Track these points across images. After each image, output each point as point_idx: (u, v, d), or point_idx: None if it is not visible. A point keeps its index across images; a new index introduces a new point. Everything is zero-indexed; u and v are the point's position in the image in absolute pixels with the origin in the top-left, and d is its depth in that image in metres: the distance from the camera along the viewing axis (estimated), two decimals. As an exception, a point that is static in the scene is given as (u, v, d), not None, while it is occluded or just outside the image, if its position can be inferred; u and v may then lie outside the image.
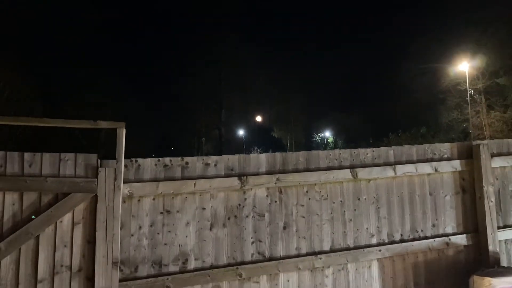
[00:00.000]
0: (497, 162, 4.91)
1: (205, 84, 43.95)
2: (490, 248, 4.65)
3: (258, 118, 57.68)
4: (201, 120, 45.30)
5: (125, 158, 3.80)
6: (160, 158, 3.95)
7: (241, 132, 57.11)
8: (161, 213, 3.88)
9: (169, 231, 3.89)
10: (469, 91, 36.59)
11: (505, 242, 4.86)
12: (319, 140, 61.44)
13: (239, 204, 4.14)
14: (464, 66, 36.23)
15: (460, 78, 36.99)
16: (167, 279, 3.77)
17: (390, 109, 44.79)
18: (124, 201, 3.75)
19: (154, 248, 3.83)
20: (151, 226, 3.85)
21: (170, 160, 3.96)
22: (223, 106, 45.52)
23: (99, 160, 3.67)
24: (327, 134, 62.42)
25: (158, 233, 3.86)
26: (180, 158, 4.00)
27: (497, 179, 4.96)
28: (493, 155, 4.92)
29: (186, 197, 3.96)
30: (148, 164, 3.90)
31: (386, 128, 38.90)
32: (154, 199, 3.87)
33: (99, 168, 3.62)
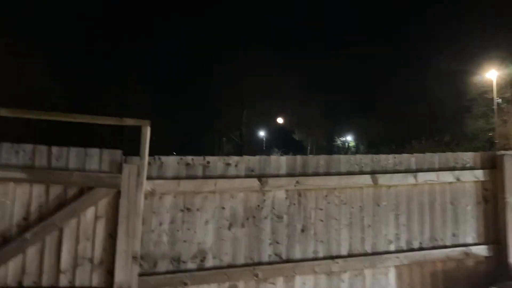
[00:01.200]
0: (522, 173, 4.82)
1: (228, 84, 44.16)
2: (511, 260, 4.58)
3: (280, 120, 57.65)
4: (223, 120, 45.55)
5: (148, 155, 3.89)
6: (183, 157, 4.02)
7: (262, 133, 57.18)
8: (182, 210, 3.95)
9: (188, 229, 3.96)
10: (497, 99, 35.86)
11: (527, 255, 4.77)
12: (340, 144, 61.01)
13: (258, 205, 4.18)
14: (492, 74, 35.55)
15: (487, 86, 36.29)
16: (185, 276, 3.84)
17: (414, 116, 44.20)
18: (146, 197, 3.83)
19: (173, 245, 3.90)
20: (171, 223, 3.92)
21: (192, 159, 4.03)
22: (244, 106, 45.63)
23: (123, 157, 3.76)
24: (349, 138, 61.97)
25: (178, 230, 3.93)
26: (202, 157, 4.07)
27: (521, 190, 4.87)
28: (517, 166, 4.83)
29: (206, 196, 4.02)
30: (171, 162, 3.97)
31: (409, 134, 38.38)
32: (175, 196, 3.94)
33: (123, 164, 3.71)
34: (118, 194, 3.69)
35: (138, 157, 3.75)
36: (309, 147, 55.41)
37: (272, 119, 55.77)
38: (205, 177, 4.03)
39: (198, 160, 4.05)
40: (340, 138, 61.55)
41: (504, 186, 4.70)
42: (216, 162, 4.10)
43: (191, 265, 3.93)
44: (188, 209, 3.97)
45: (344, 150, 57.38)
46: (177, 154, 4.15)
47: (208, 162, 4.07)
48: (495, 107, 35.15)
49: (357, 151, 52.43)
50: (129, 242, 3.65)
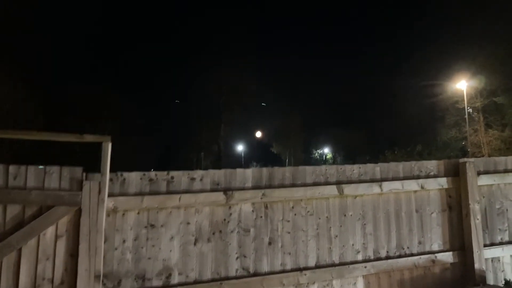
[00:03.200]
0: (484, 180, 4.93)
1: (206, 99, 44.18)
2: (476, 266, 4.65)
3: (258, 134, 57.83)
4: (201, 134, 45.42)
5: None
6: (146, 172, 3.97)
7: (240, 148, 57.21)
8: (145, 227, 3.90)
9: (153, 245, 3.90)
10: (468, 109, 36.78)
11: (491, 260, 4.85)
12: (318, 156, 61.49)
13: (225, 219, 4.15)
14: (462, 85, 36.51)
15: (458, 97, 37.23)
16: (149, 293, 3.77)
17: (389, 126, 44.97)
18: (108, 215, 3.76)
19: (138, 262, 3.84)
20: (135, 240, 3.85)
21: (156, 174, 3.99)
22: (222, 121, 45.64)
23: (84, 173, 3.69)
24: (326, 150, 62.53)
25: (142, 247, 3.87)
26: (165, 172, 4.03)
27: (483, 196, 4.97)
28: (479, 173, 4.94)
29: (170, 212, 3.98)
30: (133, 178, 3.92)
31: (385, 145, 39.02)
32: (138, 213, 3.88)
33: (84, 181, 3.65)
34: (79, 212, 3.61)
35: (99, 174, 3.69)
36: (287, 160, 55.63)
37: (250, 134, 55.99)
38: (169, 192, 3.99)
39: (161, 175, 4.01)
40: (318, 151, 62.06)
41: (467, 192, 4.79)
42: (181, 177, 4.06)
43: (156, 282, 3.86)
44: (152, 226, 3.92)
45: (322, 162, 57.82)
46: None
47: (172, 177, 4.03)
48: (466, 116, 36.04)
49: (334, 162, 52.87)
50: (91, 261, 3.57)
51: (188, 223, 4.03)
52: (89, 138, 3.74)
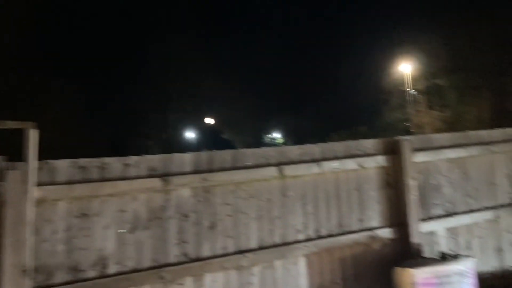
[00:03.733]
0: (420, 157, 5.07)
1: (152, 85, 43.14)
2: (413, 240, 4.80)
3: (209, 120, 57.42)
4: (149, 122, 44.41)
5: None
6: (76, 160, 3.79)
7: (191, 134, 56.61)
8: (78, 216, 3.72)
9: (86, 235, 3.74)
10: (411, 91, 38.12)
11: (427, 234, 5.02)
12: (269, 141, 61.93)
13: (162, 205, 4.04)
14: (405, 67, 37.77)
15: (402, 79, 38.49)
16: (85, 285, 3.62)
17: (336, 110, 45.93)
18: (37, 205, 3.56)
19: (70, 254, 3.67)
20: (66, 230, 3.67)
21: (87, 161, 3.81)
22: (171, 108, 44.88)
23: (6, 163, 3.46)
24: (278, 135, 63.11)
25: (75, 238, 3.70)
26: (97, 159, 3.86)
27: (420, 173, 5.12)
28: (415, 150, 5.07)
29: (104, 200, 3.82)
30: (63, 165, 3.72)
31: (333, 127, 39.84)
32: (69, 202, 3.70)
33: (7, 171, 3.42)
34: (2, 204, 3.39)
35: (23, 163, 3.47)
36: (238, 146, 55.65)
37: (201, 120, 55.43)
38: (102, 179, 3.82)
39: (93, 162, 3.83)
40: (269, 136, 62.52)
41: (404, 169, 4.91)
42: (114, 163, 3.91)
43: (91, 273, 3.71)
44: (85, 215, 3.75)
45: (273, 146, 58.29)
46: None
47: (105, 164, 3.87)
48: (409, 98, 37.35)
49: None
50: (17, 255, 3.37)
51: (124, 211, 3.89)
52: (11, 124, 3.50)
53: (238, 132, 56.90)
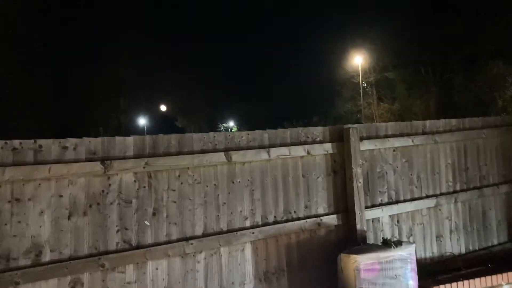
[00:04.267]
0: (366, 145, 5.14)
1: (102, 69, 41.70)
2: (358, 227, 4.87)
3: (162, 108, 56.44)
4: (98, 108, 42.99)
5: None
6: (8, 141, 3.53)
7: (143, 122, 55.45)
8: (9, 201, 3.48)
9: (19, 222, 3.51)
10: (362, 84, 39.03)
11: (372, 221, 5.12)
12: (223, 130, 61.80)
13: (103, 191, 3.86)
14: (357, 60, 38.57)
15: (354, 71, 39.34)
16: (16, 274, 3.40)
17: (291, 100, 46.37)
18: (-38, 190, 3.30)
19: (1, 242, 3.43)
20: (-4, 216, 3.44)
21: (20, 143, 3.56)
22: (122, 93, 43.65)
23: None
24: (232, 124, 63.05)
25: (6, 224, 3.46)
26: (32, 141, 3.61)
27: (366, 161, 5.19)
28: (362, 138, 5.13)
29: (39, 184, 3.60)
30: (-8, 147, 3.47)
31: (287, 117, 40.25)
32: (0, 186, 3.46)
33: None
34: None
35: None
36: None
37: (154, 107, 54.36)
38: (36, 162, 3.59)
39: (27, 144, 3.59)
40: (223, 124, 62.35)
41: (350, 157, 4.95)
42: (51, 146, 3.68)
43: (24, 262, 3.49)
44: (18, 200, 3.51)
45: (227, 135, 58.26)
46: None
47: (41, 146, 3.64)
48: (361, 90, 38.24)
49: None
50: None
51: (61, 196, 3.68)
52: None
53: (192, 120, 56.30)
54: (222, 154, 4.38)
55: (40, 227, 3.58)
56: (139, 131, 52.36)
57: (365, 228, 4.94)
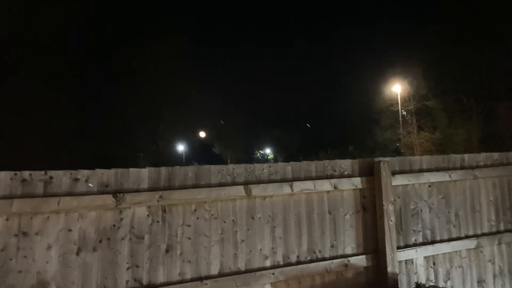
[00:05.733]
0: (399, 180, 4.77)
1: (143, 97, 42.86)
2: (389, 269, 4.47)
3: (201, 134, 57.15)
4: (139, 135, 43.99)
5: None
6: (18, 172, 3.43)
7: (181, 148, 56.20)
8: (16, 235, 3.35)
9: (25, 256, 3.36)
10: (401, 112, 38.20)
11: (405, 263, 4.70)
12: (260, 157, 61.68)
13: (114, 225, 3.68)
14: (397, 88, 37.90)
15: (393, 100, 38.64)
16: (19, 313, 3.24)
17: (327, 127, 45.89)
18: (-32, 222, 3.19)
19: (5, 277, 3.28)
20: (2, 250, 3.30)
21: (30, 174, 3.45)
22: (161, 120, 44.56)
23: None
24: (268, 151, 62.90)
25: (11, 259, 3.32)
26: (42, 172, 3.50)
27: (398, 197, 4.82)
28: (394, 173, 4.78)
29: (48, 217, 3.46)
30: (2, 178, 3.36)
31: (323, 145, 39.73)
32: (7, 219, 3.33)
33: None
34: None
35: (-48, 174, 3.11)
36: (228, 160, 55.36)
37: (193, 134, 55.15)
38: (46, 195, 3.46)
39: (37, 175, 3.47)
40: (260, 151, 62.33)
41: (381, 193, 4.60)
42: (61, 178, 3.55)
43: (28, 300, 3.33)
44: (25, 233, 3.38)
45: (264, 162, 58.03)
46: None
47: (51, 178, 3.51)
48: (400, 119, 37.41)
49: (275, 162, 53.28)
50: None
51: (70, 230, 3.52)
52: None
53: (229, 147, 56.61)
54: (241, 187, 4.13)
55: (47, 262, 3.42)
56: (178, 157, 53.07)
57: (397, 270, 4.53)
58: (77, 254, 3.53)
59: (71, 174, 3.59)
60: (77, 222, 3.56)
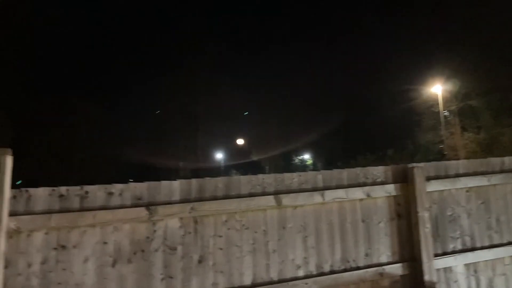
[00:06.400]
0: (434, 186, 4.65)
1: (182, 107, 43.76)
2: (427, 277, 4.35)
3: (239, 141, 57.55)
4: (178, 144, 44.91)
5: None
6: (56, 188, 3.59)
7: (219, 155, 56.74)
8: (55, 248, 3.50)
9: (64, 269, 3.50)
10: (443, 112, 37.09)
11: (444, 271, 4.56)
12: (298, 163, 61.31)
13: (148, 237, 3.77)
14: (437, 88, 36.82)
15: (434, 100, 37.54)
16: (59, 323, 3.37)
17: (367, 131, 45.17)
18: (10, 237, 3.37)
19: (46, 289, 3.44)
20: (42, 263, 3.45)
21: (67, 190, 3.60)
22: (200, 129, 45.28)
23: (-21, 191, 3.29)
24: (307, 156, 62.44)
25: (51, 272, 3.47)
26: (78, 187, 3.64)
27: (434, 203, 4.69)
28: (429, 178, 4.66)
29: (84, 231, 3.59)
30: (41, 194, 3.53)
31: (362, 149, 39.03)
32: (46, 233, 3.49)
33: (-22, 200, 3.24)
34: (-28, 235, 3.21)
35: (-5, 191, 3.29)
36: (267, 167, 55.37)
37: (231, 142, 55.66)
38: (82, 209, 3.60)
39: (74, 190, 3.62)
40: (298, 157, 61.95)
41: (416, 199, 4.50)
42: (96, 192, 3.68)
43: (67, 311, 3.46)
44: (63, 247, 3.52)
45: (302, 168, 57.69)
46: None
47: (87, 192, 3.65)
48: (442, 120, 36.30)
49: (314, 168, 52.77)
50: (-15, 290, 3.16)
51: (105, 243, 3.65)
52: (-16, 151, 3.33)
53: (267, 153, 56.65)
54: (272, 197, 4.15)
55: (84, 275, 3.55)
56: (216, 165, 53.58)
57: (435, 278, 4.40)
58: (113, 266, 3.64)
59: (105, 188, 3.72)
60: (112, 235, 3.67)
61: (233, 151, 57.51)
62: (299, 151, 60.45)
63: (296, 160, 60.49)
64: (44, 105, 32.26)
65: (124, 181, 4.04)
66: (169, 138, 44.49)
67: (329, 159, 50.17)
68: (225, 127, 48.94)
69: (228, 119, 48.17)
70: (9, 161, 3.36)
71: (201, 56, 43.65)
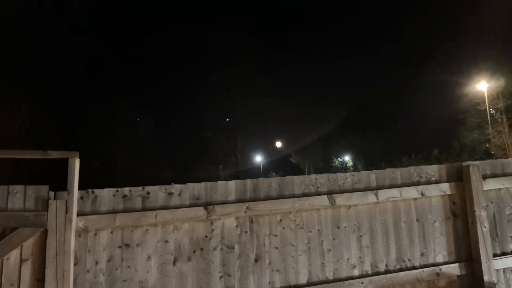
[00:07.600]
0: (491, 184, 4.54)
1: (221, 111, 44.32)
2: (485, 278, 4.25)
3: (277, 144, 57.57)
4: (218, 147, 45.48)
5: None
6: (119, 189, 3.75)
7: (258, 158, 56.93)
8: (120, 247, 3.66)
9: (128, 266, 3.65)
10: (490, 110, 35.81)
11: (503, 271, 4.45)
12: (338, 165, 60.69)
13: (206, 236, 3.88)
14: (483, 86, 35.58)
15: (479, 98, 36.32)
16: (125, 318, 3.52)
17: (409, 131, 44.21)
18: (79, 235, 3.55)
19: (112, 285, 3.59)
20: (108, 261, 3.62)
21: (130, 190, 3.76)
22: (238, 132, 45.67)
23: (50, 192, 3.48)
24: (347, 158, 61.70)
25: (117, 269, 3.63)
26: (140, 188, 3.80)
27: (491, 202, 4.58)
28: (485, 177, 4.56)
29: (147, 230, 3.73)
30: (106, 195, 3.70)
31: (404, 150, 38.19)
32: (111, 232, 3.65)
33: (50, 201, 3.43)
34: (45, 233, 3.40)
35: (65, 192, 3.47)
36: (306, 169, 55.12)
37: (269, 144, 55.78)
38: (144, 209, 3.75)
39: (136, 191, 3.77)
40: (338, 159, 61.32)
41: (472, 198, 4.41)
42: (157, 192, 3.83)
43: (131, 306, 3.61)
44: (127, 245, 3.68)
45: (343, 170, 57.06)
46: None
47: (148, 193, 3.80)
48: (488, 118, 35.05)
49: (355, 170, 52.06)
50: (58, 285, 3.34)
51: (166, 241, 3.78)
52: (54, 154, 3.52)
53: (305, 155, 56.40)
54: (325, 197, 4.17)
55: (148, 272, 3.69)
56: (256, 168, 53.80)
57: (494, 279, 4.30)
58: (174, 264, 3.76)
59: (166, 189, 3.86)
60: (173, 234, 3.80)
61: (271, 154, 57.60)
62: (338, 153, 59.82)
63: (336, 162, 59.89)
64: (91, 111, 33.41)
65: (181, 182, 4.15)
66: (210, 142, 45.16)
67: (370, 160, 49.36)
68: (264, 130, 49.17)
69: (266, 121, 48.37)
70: (77, 163, 3.54)
71: (240, 61, 44.06)
